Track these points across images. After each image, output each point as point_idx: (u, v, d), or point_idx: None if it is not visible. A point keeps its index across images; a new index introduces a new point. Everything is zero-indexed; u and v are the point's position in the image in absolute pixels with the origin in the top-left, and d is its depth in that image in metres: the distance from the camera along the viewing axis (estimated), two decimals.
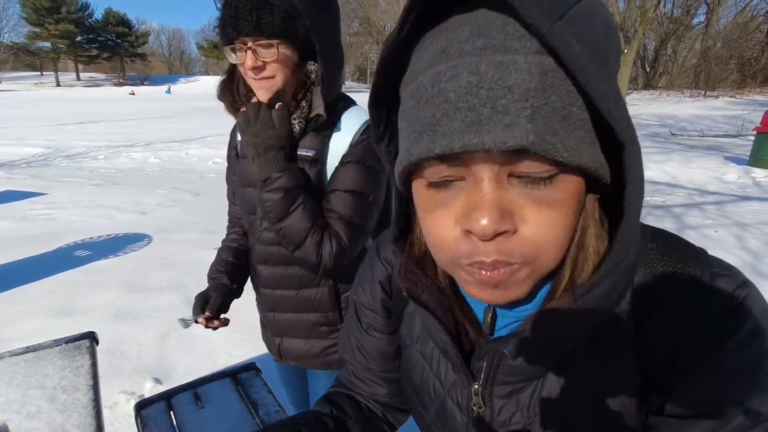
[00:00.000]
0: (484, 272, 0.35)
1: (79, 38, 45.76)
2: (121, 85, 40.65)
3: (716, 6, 23.47)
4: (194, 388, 1.24)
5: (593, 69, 0.29)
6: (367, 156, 0.97)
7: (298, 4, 0.86)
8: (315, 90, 0.95)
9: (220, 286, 1.09)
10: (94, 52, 48.09)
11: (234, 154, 1.15)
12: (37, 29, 42.75)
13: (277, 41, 0.88)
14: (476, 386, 0.46)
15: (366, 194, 0.97)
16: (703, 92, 20.69)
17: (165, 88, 32.64)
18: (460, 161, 0.32)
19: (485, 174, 0.32)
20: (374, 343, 0.61)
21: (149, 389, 2.07)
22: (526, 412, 0.45)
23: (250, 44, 0.88)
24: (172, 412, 1.14)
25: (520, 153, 0.30)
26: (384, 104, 0.39)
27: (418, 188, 0.37)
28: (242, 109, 0.97)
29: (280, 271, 1.07)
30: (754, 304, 0.38)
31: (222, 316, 1.07)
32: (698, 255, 0.41)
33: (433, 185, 0.35)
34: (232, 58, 0.92)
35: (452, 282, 0.46)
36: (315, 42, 0.89)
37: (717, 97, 19.09)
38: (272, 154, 0.93)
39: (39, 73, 51.43)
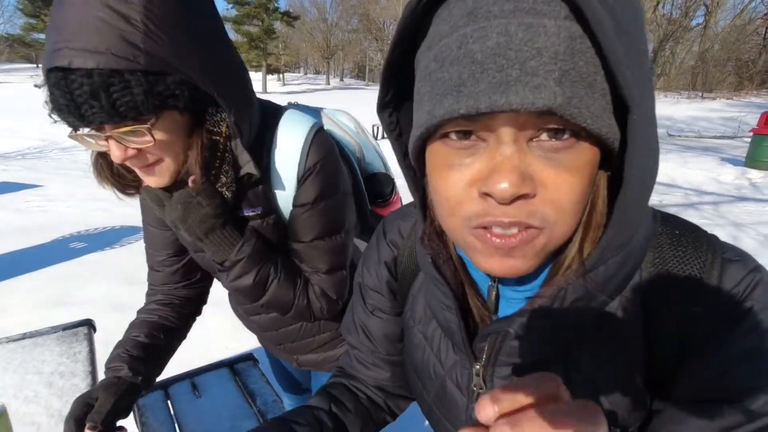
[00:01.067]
0: (498, 239, 0.34)
1: None
2: None
3: (715, 8, 23.55)
4: (191, 377, 1.24)
5: (615, 35, 0.29)
6: (322, 188, 0.79)
7: (161, 52, 0.58)
8: (234, 144, 0.72)
9: (114, 383, 0.78)
10: None
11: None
12: (32, 20, 42.35)
13: (146, 125, 0.61)
14: (477, 367, 0.46)
15: (336, 232, 0.84)
16: (700, 94, 20.78)
17: None
18: (483, 123, 0.32)
19: (507, 137, 0.32)
20: (379, 324, 0.61)
21: None
22: None
23: (109, 132, 0.61)
24: (169, 401, 1.14)
25: (544, 116, 0.30)
26: (395, 74, 0.39)
27: (434, 151, 0.37)
28: (144, 185, 0.74)
29: (275, 315, 0.98)
30: (766, 290, 0.38)
31: (118, 423, 0.76)
32: (710, 240, 0.40)
33: (451, 146, 0.35)
34: (90, 145, 0.64)
35: (460, 258, 0.46)
36: (208, 91, 0.64)
37: (714, 98, 19.18)
38: (217, 235, 0.76)
39: (35, 65, 51.01)
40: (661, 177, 6.78)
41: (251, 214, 0.80)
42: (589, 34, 0.29)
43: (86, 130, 0.61)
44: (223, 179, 0.73)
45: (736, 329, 0.37)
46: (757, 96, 19.60)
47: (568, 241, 0.37)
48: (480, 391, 0.47)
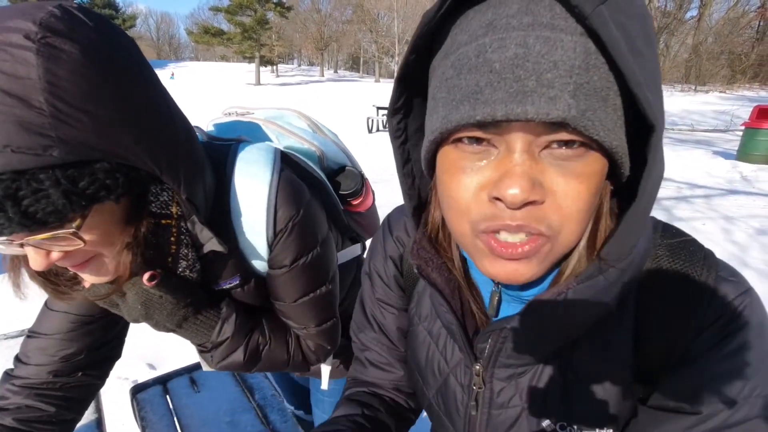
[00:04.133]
0: (504, 248, 0.35)
1: None
2: None
3: (709, 0, 23.58)
4: (190, 372, 1.25)
5: (630, 56, 0.30)
6: (298, 248, 0.72)
7: (81, 137, 0.44)
8: (191, 223, 0.62)
9: None
10: None
11: None
12: None
13: (71, 230, 0.48)
14: (477, 367, 0.47)
15: (321, 285, 0.78)
16: (693, 87, 20.88)
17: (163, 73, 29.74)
18: (497, 130, 0.33)
19: (519, 144, 0.33)
20: (392, 319, 0.62)
21: (144, 375, 2.07)
22: (525, 395, 0.46)
23: (23, 240, 0.48)
24: (168, 396, 1.15)
25: (557, 126, 0.31)
26: (408, 79, 0.39)
27: (446, 154, 0.37)
28: (84, 284, 0.62)
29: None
30: (754, 313, 0.39)
31: None
32: (706, 257, 0.41)
33: (463, 149, 0.35)
34: (2, 251, 0.52)
35: (463, 263, 0.47)
36: (150, 171, 0.52)
37: (707, 92, 19.29)
38: (191, 323, 0.69)
39: None
40: None
41: (228, 286, 0.73)
42: (604, 54, 0.30)
43: None
44: (183, 263, 0.64)
45: (719, 348, 0.38)
46: (750, 89, 19.74)
47: (573, 249, 0.38)
48: (479, 390, 0.48)
